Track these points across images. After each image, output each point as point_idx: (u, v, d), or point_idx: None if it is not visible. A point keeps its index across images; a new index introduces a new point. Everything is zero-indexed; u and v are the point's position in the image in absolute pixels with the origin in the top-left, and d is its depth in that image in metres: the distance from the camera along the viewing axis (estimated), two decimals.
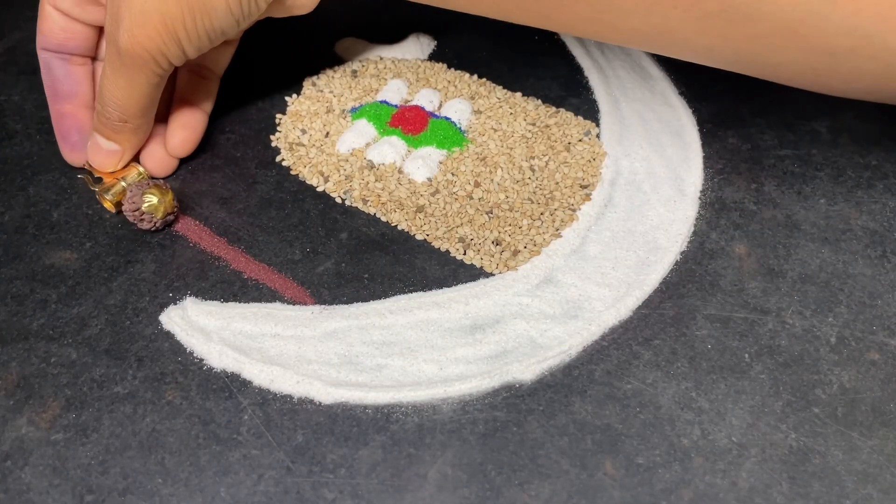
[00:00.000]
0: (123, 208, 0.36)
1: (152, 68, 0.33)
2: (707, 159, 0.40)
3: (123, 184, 0.37)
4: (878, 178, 0.39)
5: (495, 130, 0.41)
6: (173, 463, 0.29)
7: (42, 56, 0.37)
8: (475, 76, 0.45)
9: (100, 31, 0.37)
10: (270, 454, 0.29)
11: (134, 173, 0.38)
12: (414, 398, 0.31)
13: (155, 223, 0.35)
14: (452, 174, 0.39)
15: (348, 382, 0.31)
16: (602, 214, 0.37)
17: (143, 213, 0.35)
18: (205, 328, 0.33)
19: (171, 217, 0.36)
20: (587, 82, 0.45)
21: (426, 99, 0.42)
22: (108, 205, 0.37)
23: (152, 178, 0.38)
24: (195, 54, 0.33)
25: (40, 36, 0.36)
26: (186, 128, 0.38)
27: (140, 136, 0.37)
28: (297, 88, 0.44)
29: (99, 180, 0.38)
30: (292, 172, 0.40)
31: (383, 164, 0.39)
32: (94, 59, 0.38)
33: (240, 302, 0.34)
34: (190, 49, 0.33)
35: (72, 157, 0.38)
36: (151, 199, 0.35)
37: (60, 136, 0.38)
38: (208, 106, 0.40)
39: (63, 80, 0.37)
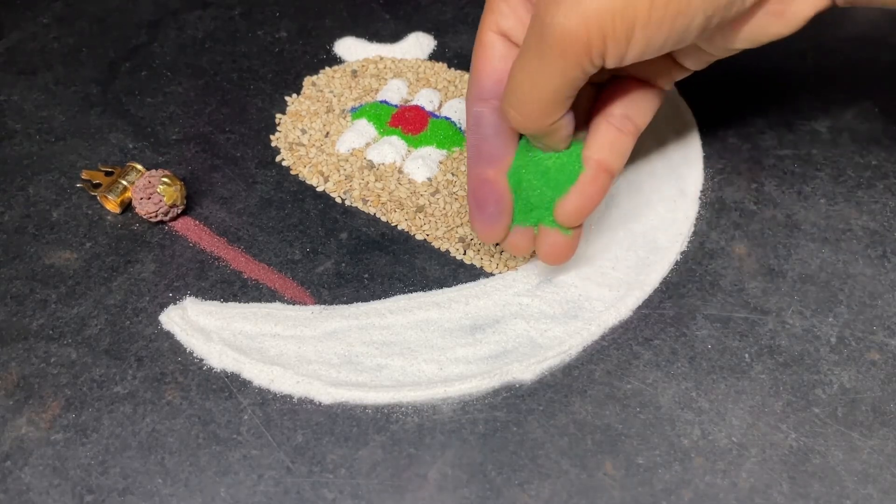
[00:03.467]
0: (135, 195, 0.36)
1: (583, 65, 0.26)
2: (707, 159, 0.40)
3: (125, 182, 0.37)
4: (879, 178, 0.39)
5: None
6: (173, 463, 0.29)
7: (474, 111, 0.30)
8: None
9: None
10: (270, 454, 0.29)
11: (133, 173, 0.38)
12: (414, 398, 0.31)
13: (163, 207, 0.36)
14: (452, 174, 0.39)
15: (348, 382, 0.31)
16: (602, 214, 0.37)
17: (160, 195, 0.35)
18: (205, 328, 0.33)
19: (177, 210, 0.37)
20: None
21: (426, 99, 0.42)
22: (110, 205, 0.37)
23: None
24: (633, 58, 0.26)
25: (476, 80, 0.30)
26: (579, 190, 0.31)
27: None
28: (297, 88, 0.44)
29: (98, 186, 0.38)
30: (292, 172, 0.40)
31: (383, 164, 0.39)
32: None
33: (240, 302, 0.34)
34: (636, 47, 0.26)
35: (486, 231, 0.32)
36: (166, 182, 0.36)
37: (476, 204, 0.31)
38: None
39: (492, 139, 0.30)
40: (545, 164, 0.30)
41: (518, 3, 0.29)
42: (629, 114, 0.31)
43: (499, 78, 0.29)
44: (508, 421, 0.30)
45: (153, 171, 0.37)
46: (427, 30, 0.48)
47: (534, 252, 0.32)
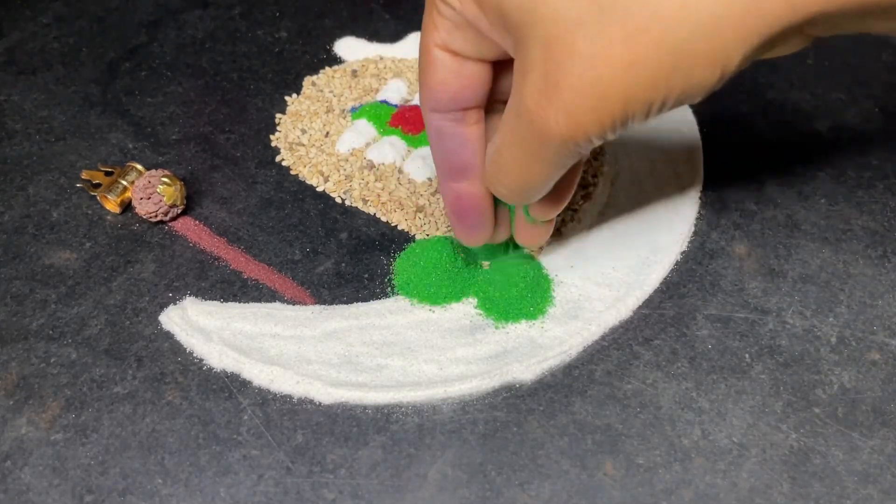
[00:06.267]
0: (135, 195, 0.36)
1: (577, 151, 0.25)
2: (707, 159, 0.40)
3: (124, 182, 0.37)
4: (879, 178, 0.39)
5: None
6: (173, 463, 0.29)
7: (433, 122, 0.28)
8: None
9: (493, 68, 0.28)
10: (270, 454, 0.29)
11: (133, 173, 0.38)
12: (414, 398, 0.31)
13: (163, 207, 0.36)
14: None
15: (348, 382, 0.31)
16: (602, 214, 0.37)
17: (160, 195, 0.35)
18: (205, 328, 0.33)
19: (177, 210, 0.37)
20: None
21: None
22: (110, 205, 0.37)
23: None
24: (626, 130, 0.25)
25: (429, 94, 0.28)
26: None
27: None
28: (297, 88, 0.44)
29: (98, 186, 0.38)
30: (292, 172, 0.40)
31: (383, 164, 0.39)
32: (486, 110, 0.30)
33: (240, 302, 0.34)
34: (628, 126, 0.24)
35: (471, 239, 0.32)
36: (166, 182, 0.36)
37: (457, 217, 0.31)
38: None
39: (458, 149, 0.29)
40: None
41: (456, 18, 0.26)
42: None
43: (453, 93, 0.28)
44: (508, 421, 0.30)
45: (153, 171, 0.37)
46: None
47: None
